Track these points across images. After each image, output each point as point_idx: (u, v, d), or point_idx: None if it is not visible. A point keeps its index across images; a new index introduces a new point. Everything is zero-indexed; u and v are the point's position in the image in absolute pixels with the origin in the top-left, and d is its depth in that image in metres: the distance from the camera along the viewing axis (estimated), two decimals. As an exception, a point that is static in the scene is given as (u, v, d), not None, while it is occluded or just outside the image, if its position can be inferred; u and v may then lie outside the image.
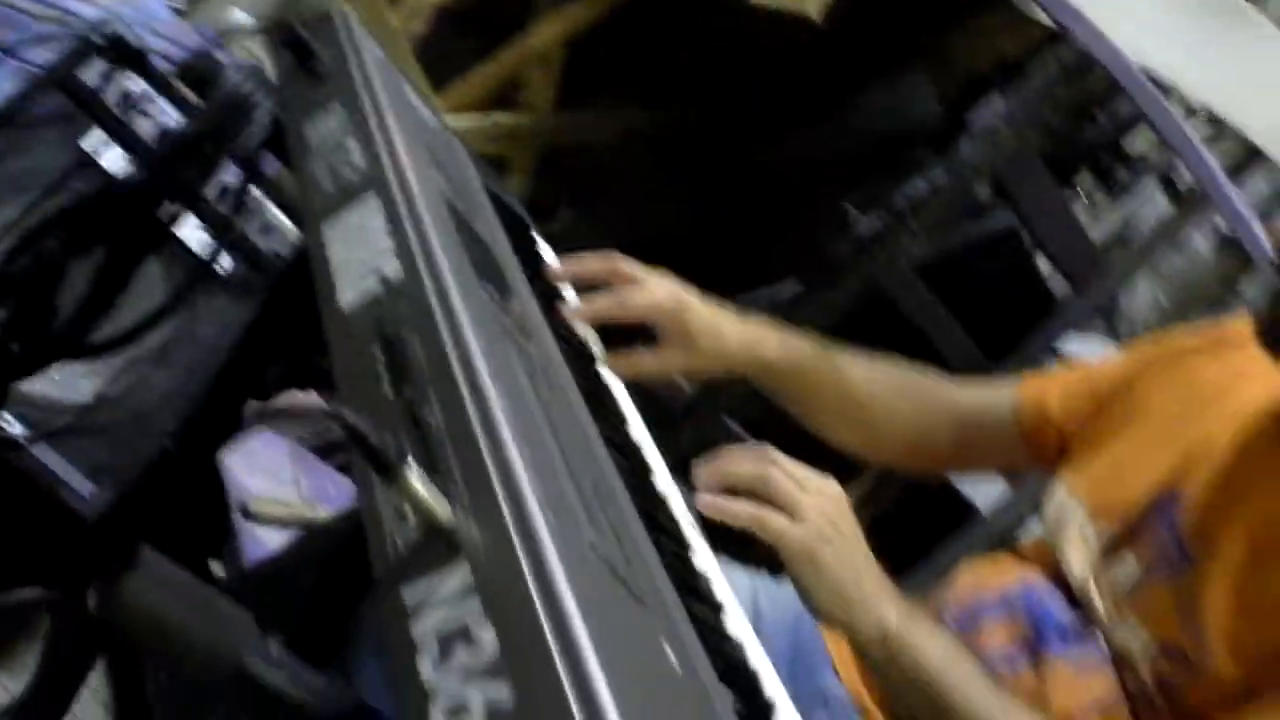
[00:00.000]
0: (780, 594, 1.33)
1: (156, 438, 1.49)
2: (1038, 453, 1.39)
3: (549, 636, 0.59)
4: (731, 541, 1.10)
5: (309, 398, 2.63)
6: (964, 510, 2.48)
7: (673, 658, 0.70)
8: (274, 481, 2.43)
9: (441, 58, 2.98)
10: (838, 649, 1.27)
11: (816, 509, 1.06)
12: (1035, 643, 1.19)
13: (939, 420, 1.42)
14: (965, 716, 1.05)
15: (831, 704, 1.22)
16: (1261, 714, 1.04)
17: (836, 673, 1.25)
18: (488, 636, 0.61)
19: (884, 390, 1.41)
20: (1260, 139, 2.70)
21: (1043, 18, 2.58)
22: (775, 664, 1.04)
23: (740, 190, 2.94)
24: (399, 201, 0.97)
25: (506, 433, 0.72)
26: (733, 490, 1.07)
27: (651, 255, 1.36)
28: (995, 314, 2.76)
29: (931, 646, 1.06)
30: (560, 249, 1.50)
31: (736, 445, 1.10)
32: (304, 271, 1.29)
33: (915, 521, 2.23)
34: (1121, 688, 1.14)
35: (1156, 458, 1.21)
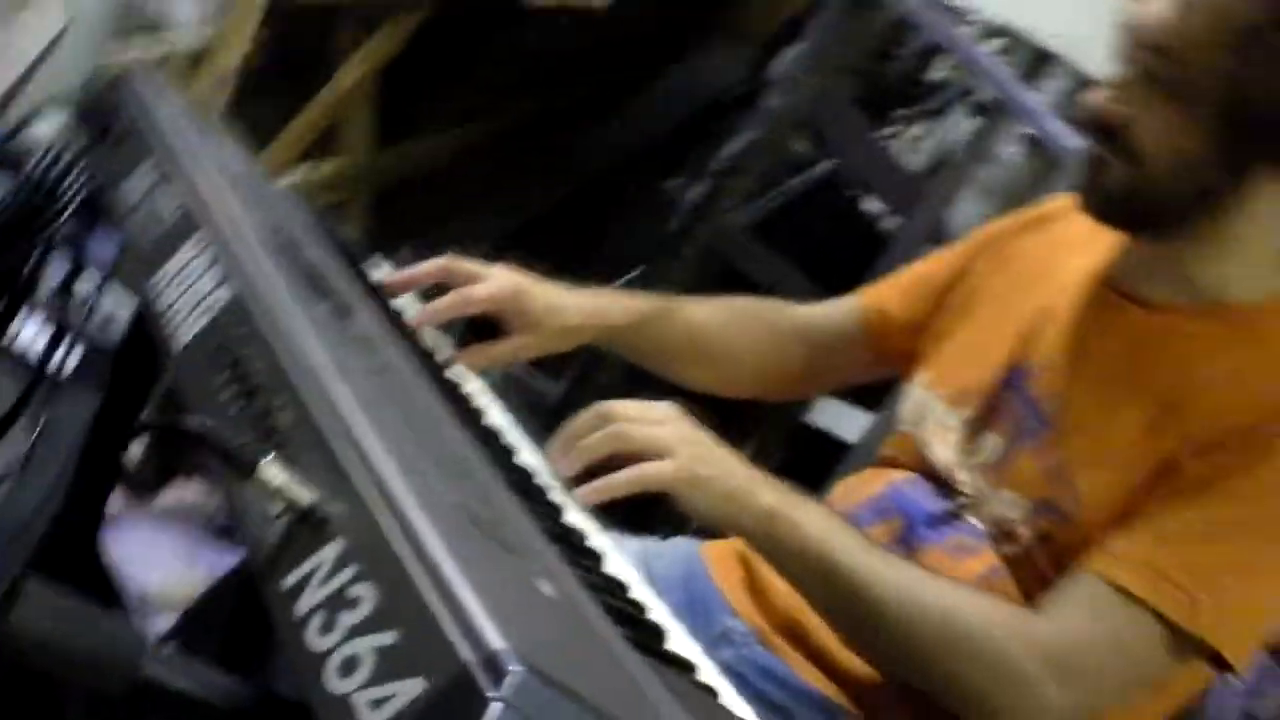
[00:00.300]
0: (669, 553, 1.38)
1: (36, 546, 1.48)
2: (885, 357, 1.46)
3: (422, 579, 0.63)
4: (614, 517, 1.15)
5: (195, 486, 2.63)
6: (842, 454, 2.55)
7: (551, 591, 0.75)
8: (173, 571, 2.43)
9: (256, 118, 2.99)
10: (732, 590, 1.32)
11: (676, 436, 1.11)
12: (907, 535, 1.26)
13: (789, 341, 1.49)
14: (849, 577, 1.11)
15: (735, 640, 1.27)
16: (1123, 532, 1.13)
17: (734, 612, 1.30)
18: (366, 595, 0.65)
19: (730, 323, 1.48)
20: (1051, 42, 2.82)
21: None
22: (676, 617, 1.08)
23: (569, 190, 2.99)
24: (220, 237, 1.00)
25: (355, 417, 0.76)
26: (599, 463, 1.12)
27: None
28: (834, 258, 2.85)
29: (810, 517, 1.12)
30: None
31: (573, 420, 1.15)
32: (142, 341, 1.31)
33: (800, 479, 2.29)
34: (1003, 560, 1.21)
35: (1000, 338, 1.29)
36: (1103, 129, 1.18)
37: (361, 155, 3.10)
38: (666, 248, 2.57)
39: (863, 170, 2.96)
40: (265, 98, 3.08)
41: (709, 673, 0.91)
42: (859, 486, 1.35)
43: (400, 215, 3.12)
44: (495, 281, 1.35)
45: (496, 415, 1.24)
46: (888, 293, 1.47)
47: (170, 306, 1.00)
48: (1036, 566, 1.18)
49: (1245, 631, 1.14)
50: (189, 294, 0.98)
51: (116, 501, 2.41)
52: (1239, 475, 1.12)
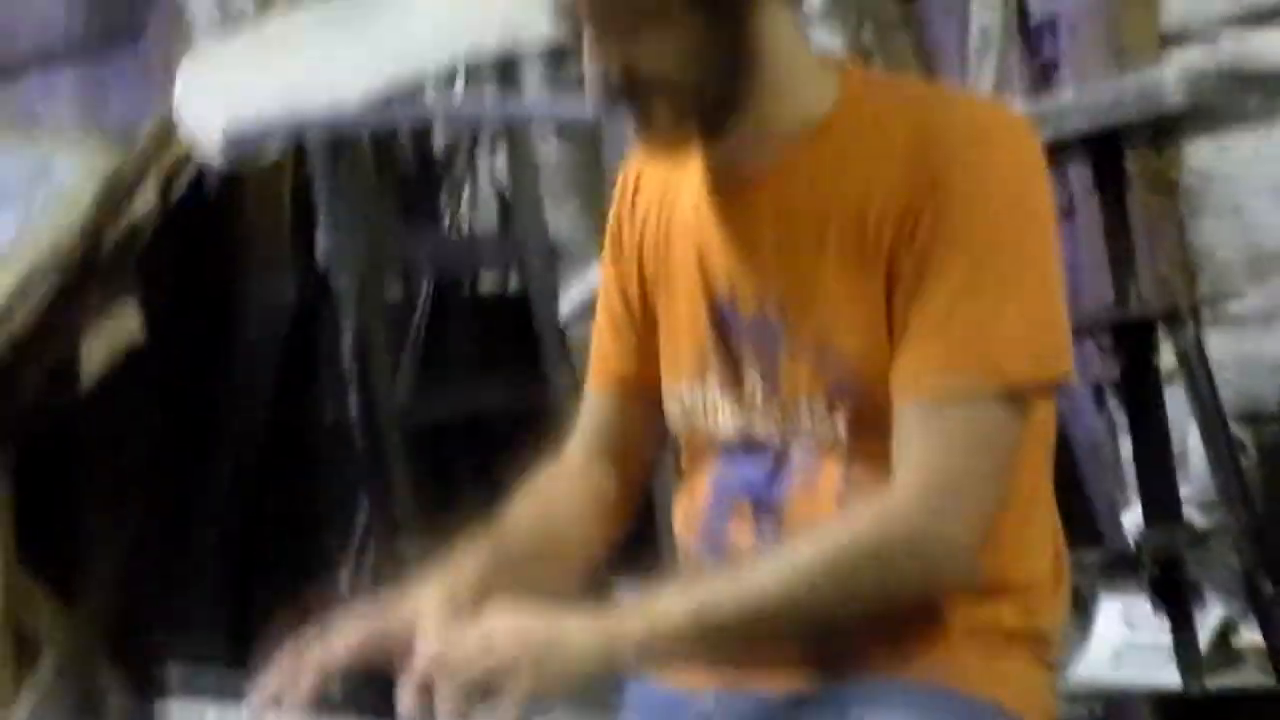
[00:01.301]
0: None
1: None
2: (657, 404, 1.39)
3: None
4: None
5: None
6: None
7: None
8: None
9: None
10: (677, 680, 1.25)
11: (478, 647, 1.09)
12: (760, 507, 1.23)
13: (593, 479, 1.39)
14: (740, 614, 1.13)
15: (714, 713, 1.23)
16: (902, 354, 1.15)
17: (694, 691, 1.24)
18: None
19: (553, 506, 1.37)
20: (498, 45, 2.87)
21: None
22: None
23: (259, 489, 2.93)
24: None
25: None
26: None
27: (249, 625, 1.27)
28: (501, 339, 2.88)
29: (664, 606, 1.13)
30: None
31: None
32: None
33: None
34: (846, 462, 1.20)
35: (687, 299, 1.28)
36: (620, 92, 1.18)
37: (51, 621, 2.97)
38: (374, 469, 2.51)
39: (456, 262, 2.99)
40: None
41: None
42: (690, 505, 1.31)
43: (136, 636, 3.00)
44: (351, 632, 1.21)
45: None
46: (602, 364, 1.40)
47: None
48: (873, 441, 1.17)
49: (1050, 341, 1.17)
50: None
51: None
52: (936, 230, 1.14)
